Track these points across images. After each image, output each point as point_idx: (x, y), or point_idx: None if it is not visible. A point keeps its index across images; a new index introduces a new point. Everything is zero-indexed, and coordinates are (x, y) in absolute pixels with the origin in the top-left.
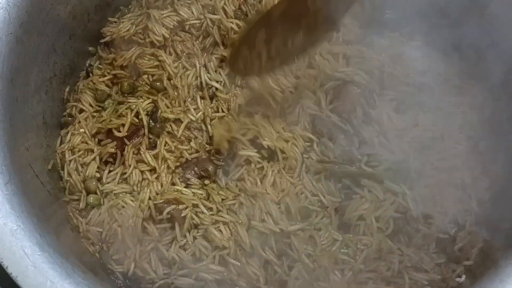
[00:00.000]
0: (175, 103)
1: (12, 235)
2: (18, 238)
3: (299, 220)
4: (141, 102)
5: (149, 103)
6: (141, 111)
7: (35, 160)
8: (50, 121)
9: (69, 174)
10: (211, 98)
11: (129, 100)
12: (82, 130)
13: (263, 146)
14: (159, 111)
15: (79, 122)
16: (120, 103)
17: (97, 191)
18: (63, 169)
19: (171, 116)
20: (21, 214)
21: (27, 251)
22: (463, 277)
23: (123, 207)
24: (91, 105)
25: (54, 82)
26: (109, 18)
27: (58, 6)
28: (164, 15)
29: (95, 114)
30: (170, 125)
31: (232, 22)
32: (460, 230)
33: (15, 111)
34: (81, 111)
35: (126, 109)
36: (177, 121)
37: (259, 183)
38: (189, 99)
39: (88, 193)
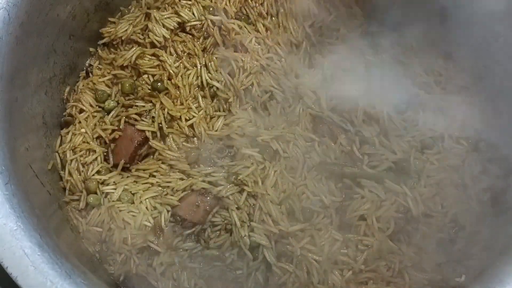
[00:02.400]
0: (177, 101)
1: (12, 235)
2: (18, 238)
3: (301, 221)
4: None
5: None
6: (161, 117)
7: (35, 160)
8: (50, 121)
9: (70, 174)
10: (212, 98)
11: (137, 104)
12: (83, 130)
13: (265, 146)
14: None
15: (80, 122)
16: (125, 106)
17: (97, 191)
18: (63, 169)
19: (177, 114)
20: (21, 214)
21: (27, 251)
22: (463, 277)
23: None
24: (91, 105)
25: (54, 82)
26: (109, 19)
27: (57, 6)
28: (165, 16)
29: (95, 114)
30: (178, 123)
31: (233, 23)
32: (460, 230)
33: (15, 111)
34: (81, 111)
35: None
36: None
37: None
38: (191, 98)
39: (88, 193)
